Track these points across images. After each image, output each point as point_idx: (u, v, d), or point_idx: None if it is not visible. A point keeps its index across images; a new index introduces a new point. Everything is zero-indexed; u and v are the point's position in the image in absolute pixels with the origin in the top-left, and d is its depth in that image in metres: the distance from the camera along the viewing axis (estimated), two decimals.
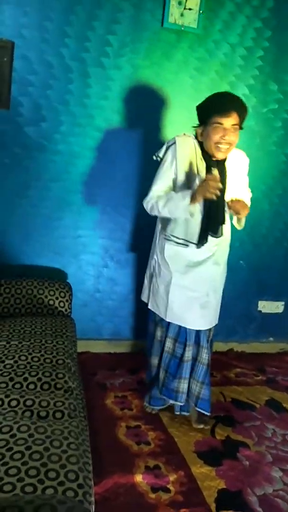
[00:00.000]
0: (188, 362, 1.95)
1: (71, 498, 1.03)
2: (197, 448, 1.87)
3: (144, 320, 2.77)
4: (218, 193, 1.67)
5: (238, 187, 1.92)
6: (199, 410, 1.96)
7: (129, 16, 2.35)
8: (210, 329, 2.01)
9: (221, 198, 1.74)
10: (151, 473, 1.68)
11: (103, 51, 2.35)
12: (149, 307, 2.06)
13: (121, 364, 2.57)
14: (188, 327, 1.93)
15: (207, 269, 1.91)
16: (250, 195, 2.00)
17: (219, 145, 1.74)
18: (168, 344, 1.98)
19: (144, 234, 2.65)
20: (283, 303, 3.05)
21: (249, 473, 1.74)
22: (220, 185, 1.67)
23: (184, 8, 2.40)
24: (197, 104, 1.82)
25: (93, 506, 1.09)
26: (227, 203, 1.76)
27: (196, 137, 1.84)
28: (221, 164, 1.84)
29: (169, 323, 1.96)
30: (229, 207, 1.75)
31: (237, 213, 1.75)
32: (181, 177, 1.82)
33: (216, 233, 1.86)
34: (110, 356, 2.67)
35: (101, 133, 2.45)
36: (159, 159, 1.91)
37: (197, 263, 1.89)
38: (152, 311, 2.05)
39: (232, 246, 2.04)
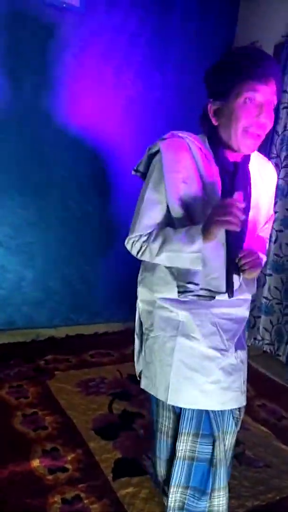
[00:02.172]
0: (223, 464, 1.26)
1: None
2: (95, 425, 1.91)
3: (43, 307, 2.72)
4: (240, 223, 1.06)
5: (261, 216, 1.28)
6: None
7: None
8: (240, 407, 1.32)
9: (244, 220, 1.14)
10: (49, 456, 1.67)
11: None
12: (142, 386, 1.34)
13: (17, 353, 2.48)
14: (201, 407, 1.23)
15: (231, 312, 1.25)
16: (268, 232, 1.36)
17: (249, 130, 1.11)
18: (183, 444, 1.26)
19: (36, 218, 2.57)
20: None
21: (143, 440, 1.84)
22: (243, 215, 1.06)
23: None
24: (207, 69, 1.18)
25: None
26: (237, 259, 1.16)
27: (203, 126, 1.22)
28: (243, 167, 1.20)
29: (180, 409, 1.26)
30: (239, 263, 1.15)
31: (245, 273, 1.17)
32: (175, 203, 1.15)
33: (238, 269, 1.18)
34: (4, 347, 2.56)
35: None
36: (139, 175, 1.30)
37: (219, 305, 1.22)
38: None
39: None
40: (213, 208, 1.10)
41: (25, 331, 2.67)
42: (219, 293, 1.18)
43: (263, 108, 1.09)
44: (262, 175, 1.27)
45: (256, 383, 2.46)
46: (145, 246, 1.19)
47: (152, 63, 2.69)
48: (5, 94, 2.33)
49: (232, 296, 1.20)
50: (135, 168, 1.30)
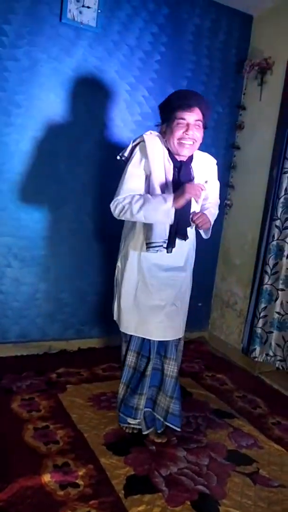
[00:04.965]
0: (149, 376, 1.85)
1: None
2: (107, 441, 1.90)
3: (55, 319, 2.73)
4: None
5: (208, 192, 1.89)
6: (169, 425, 1.88)
7: (26, 7, 2.29)
8: (179, 339, 1.93)
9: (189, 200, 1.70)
10: (60, 471, 1.67)
11: None
12: (114, 318, 1.92)
13: (29, 366, 2.49)
14: (152, 338, 1.82)
15: (175, 275, 1.82)
16: (217, 201, 1.97)
17: (182, 141, 1.68)
18: (130, 358, 1.87)
19: (50, 231, 2.61)
20: None
21: (155, 456, 1.82)
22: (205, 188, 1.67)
23: (82, 6, 2.40)
24: (159, 104, 1.77)
25: None
26: (191, 217, 1.74)
27: (161, 136, 1.77)
28: (187, 165, 1.76)
29: (131, 335, 1.85)
30: (192, 221, 1.74)
31: (199, 226, 1.76)
32: (154, 176, 1.70)
33: (184, 236, 1.76)
34: (17, 359, 2.57)
35: None
36: (123, 158, 1.78)
37: (166, 269, 1.79)
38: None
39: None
40: (185, 185, 1.64)
41: (38, 343, 2.69)
42: (163, 247, 1.72)
43: (189, 126, 1.67)
44: (204, 165, 1.84)
45: (270, 400, 2.42)
46: (127, 206, 1.68)
47: (166, 80, 2.74)
48: (11, 107, 2.39)
49: (170, 252, 1.75)
50: (120, 154, 1.78)
